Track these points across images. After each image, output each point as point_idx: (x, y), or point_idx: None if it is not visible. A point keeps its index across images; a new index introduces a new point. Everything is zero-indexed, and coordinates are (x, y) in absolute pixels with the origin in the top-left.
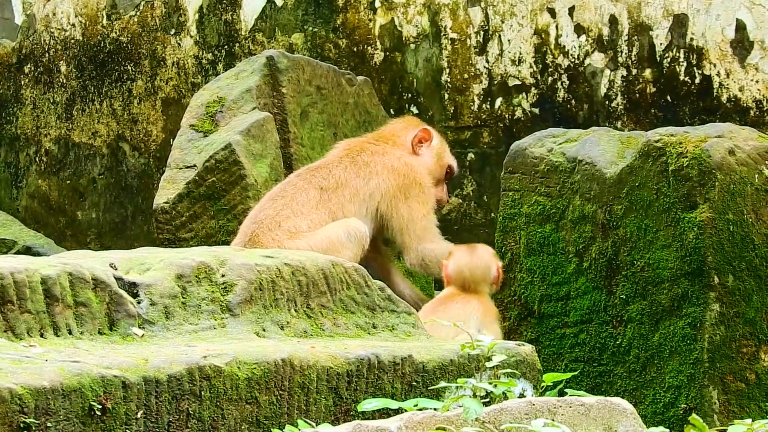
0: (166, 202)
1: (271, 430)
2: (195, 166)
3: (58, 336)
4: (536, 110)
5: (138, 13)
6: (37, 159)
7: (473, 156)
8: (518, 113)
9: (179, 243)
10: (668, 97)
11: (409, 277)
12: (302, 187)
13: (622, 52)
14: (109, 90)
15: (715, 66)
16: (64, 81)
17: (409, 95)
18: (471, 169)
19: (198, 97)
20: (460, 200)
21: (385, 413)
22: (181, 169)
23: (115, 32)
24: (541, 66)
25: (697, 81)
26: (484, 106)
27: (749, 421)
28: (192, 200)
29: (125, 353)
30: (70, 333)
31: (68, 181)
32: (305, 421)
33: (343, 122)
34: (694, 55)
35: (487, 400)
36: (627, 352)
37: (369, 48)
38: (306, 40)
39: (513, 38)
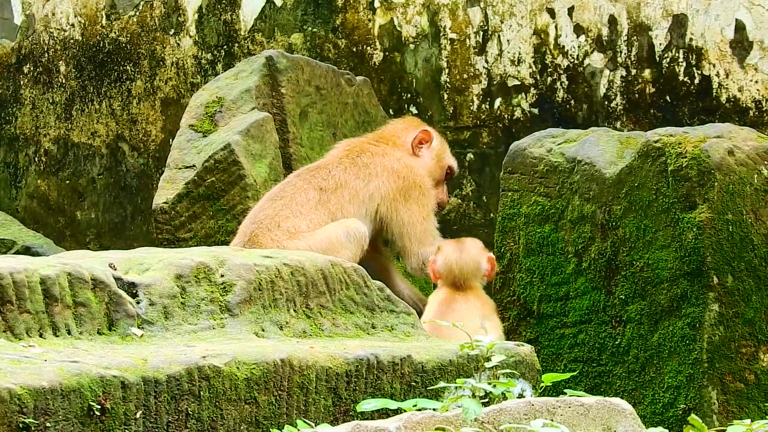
0: (165, 203)
1: (270, 430)
2: (194, 166)
3: (57, 336)
4: (535, 110)
5: (137, 14)
6: (36, 159)
7: (472, 156)
8: (517, 113)
9: (178, 243)
10: (667, 98)
11: (408, 278)
12: (302, 188)
13: (621, 52)
14: (108, 90)
15: (714, 66)
16: (64, 81)
17: (409, 95)
18: (470, 169)
19: (197, 97)
20: (460, 200)
21: (384, 413)
22: (180, 169)
23: (115, 32)
24: (540, 66)
25: (696, 81)
26: (483, 106)
27: (748, 421)
28: (191, 200)
29: (124, 353)
30: (69, 333)
31: (67, 181)
32: (304, 422)
33: (342, 122)
34: (694, 56)
35: (486, 400)
36: (626, 352)
37: (368, 48)
38: (305, 40)
39: (512, 38)
